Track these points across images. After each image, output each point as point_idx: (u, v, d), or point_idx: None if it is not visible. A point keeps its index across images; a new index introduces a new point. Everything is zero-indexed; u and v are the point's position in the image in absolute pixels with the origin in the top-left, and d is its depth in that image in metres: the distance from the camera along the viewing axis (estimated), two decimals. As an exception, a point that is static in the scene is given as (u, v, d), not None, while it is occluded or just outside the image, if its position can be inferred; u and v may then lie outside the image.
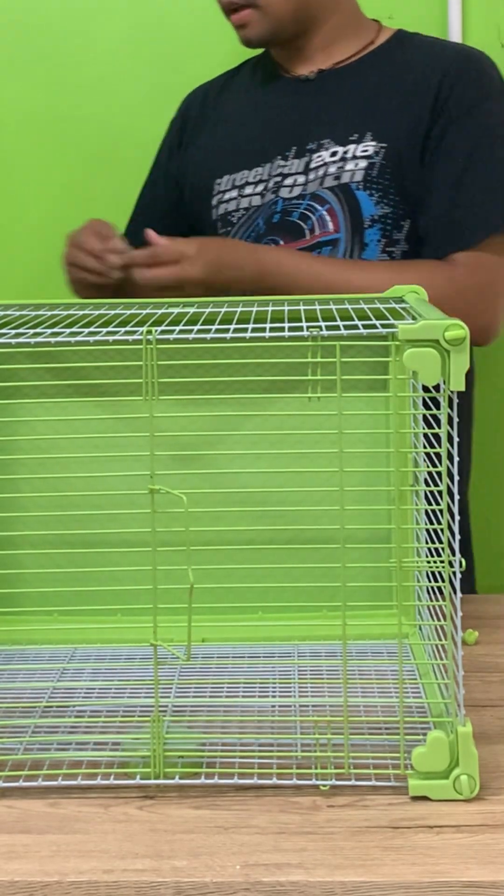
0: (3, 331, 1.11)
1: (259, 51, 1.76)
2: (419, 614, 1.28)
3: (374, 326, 1.05)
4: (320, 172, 1.60)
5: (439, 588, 1.08)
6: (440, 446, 1.04)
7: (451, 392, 1.00)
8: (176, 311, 1.23)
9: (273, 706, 1.14)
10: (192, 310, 1.23)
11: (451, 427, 1.01)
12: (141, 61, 1.92)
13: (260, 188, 1.64)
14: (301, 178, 1.61)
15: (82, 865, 0.93)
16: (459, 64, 1.61)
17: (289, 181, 1.62)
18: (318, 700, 1.13)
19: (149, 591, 1.05)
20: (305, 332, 1.05)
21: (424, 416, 1.12)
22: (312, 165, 1.61)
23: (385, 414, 1.25)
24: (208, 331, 1.07)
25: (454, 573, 1.02)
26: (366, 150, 1.59)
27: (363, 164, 1.58)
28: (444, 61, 1.61)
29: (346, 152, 1.59)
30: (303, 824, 0.98)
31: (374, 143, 1.58)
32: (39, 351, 1.15)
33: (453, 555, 1.02)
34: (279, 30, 1.64)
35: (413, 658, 1.22)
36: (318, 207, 1.60)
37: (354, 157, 1.59)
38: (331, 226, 1.61)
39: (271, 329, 1.07)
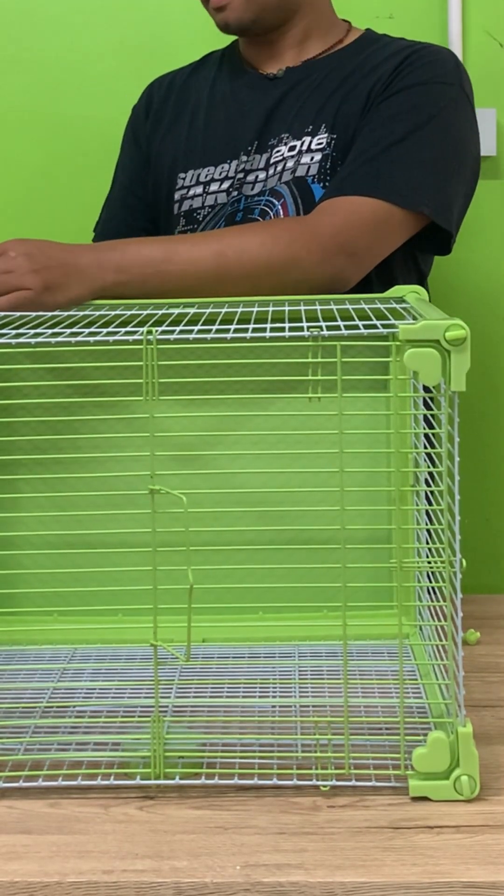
0: (4, 331, 1.11)
1: (227, 42, 1.72)
2: (420, 614, 1.28)
3: (374, 326, 1.05)
4: (279, 167, 1.58)
5: (440, 588, 1.07)
6: (440, 446, 1.04)
7: (452, 392, 1.00)
8: (176, 311, 1.23)
9: (273, 706, 1.14)
10: (192, 310, 1.23)
11: (452, 427, 1.01)
12: (140, 61, 1.92)
13: (225, 185, 1.61)
14: (262, 175, 1.59)
15: (82, 866, 0.93)
16: (418, 52, 1.57)
17: (251, 178, 1.60)
18: (319, 700, 1.13)
19: (149, 591, 1.05)
20: (306, 332, 1.04)
21: (425, 415, 1.12)
22: (272, 160, 1.59)
23: (386, 414, 1.25)
24: (209, 331, 1.07)
25: (454, 573, 1.02)
26: (320, 143, 1.56)
27: (318, 156, 1.56)
28: (403, 53, 1.57)
29: (302, 145, 1.57)
30: (303, 825, 0.98)
31: (326, 135, 1.56)
32: (40, 351, 1.15)
33: (454, 555, 1.02)
34: (261, 17, 1.59)
35: (413, 658, 1.22)
36: (275, 203, 1.57)
37: (310, 150, 1.56)
38: None
39: (272, 329, 1.07)
